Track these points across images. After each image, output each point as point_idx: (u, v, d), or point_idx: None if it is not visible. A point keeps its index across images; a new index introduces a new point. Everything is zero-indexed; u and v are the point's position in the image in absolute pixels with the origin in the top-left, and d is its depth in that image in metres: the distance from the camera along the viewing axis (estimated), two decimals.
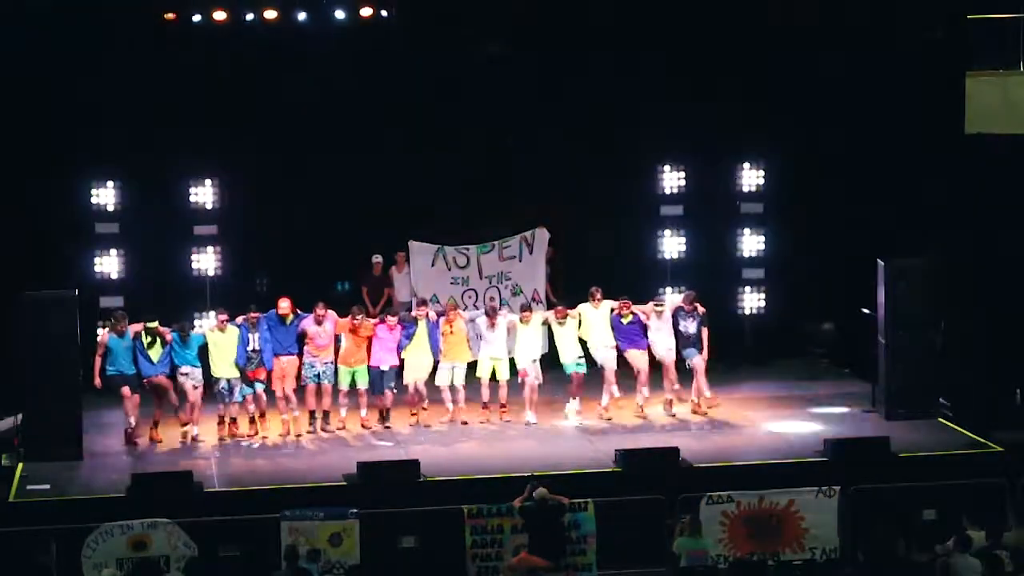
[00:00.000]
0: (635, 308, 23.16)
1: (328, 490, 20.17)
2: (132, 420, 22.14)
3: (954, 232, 24.12)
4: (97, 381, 21.96)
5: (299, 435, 22.48)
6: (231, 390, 22.31)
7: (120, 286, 24.57)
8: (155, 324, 22.11)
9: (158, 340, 22.09)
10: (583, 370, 23.06)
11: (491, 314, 23.06)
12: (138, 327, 22.10)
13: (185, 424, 22.26)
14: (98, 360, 21.98)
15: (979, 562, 17.16)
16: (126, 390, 21.97)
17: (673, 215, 25.98)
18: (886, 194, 25.18)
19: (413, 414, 23.03)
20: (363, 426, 22.80)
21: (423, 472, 20.52)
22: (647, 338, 23.15)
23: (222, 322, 22.31)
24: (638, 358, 23.11)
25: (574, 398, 23.18)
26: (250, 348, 22.31)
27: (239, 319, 22.37)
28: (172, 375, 22.26)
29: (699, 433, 22.58)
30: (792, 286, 26.38)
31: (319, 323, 22.46)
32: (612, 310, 23.11)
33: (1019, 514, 19.44)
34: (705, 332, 23.22)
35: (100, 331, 22.59)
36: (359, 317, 22.67)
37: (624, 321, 23.09)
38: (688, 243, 25.93)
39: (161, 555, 19.25)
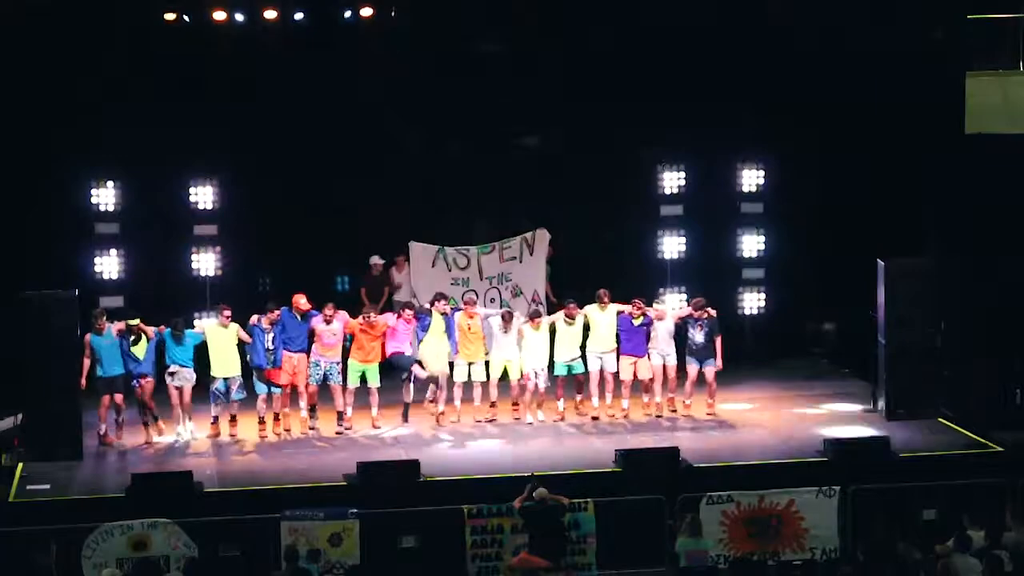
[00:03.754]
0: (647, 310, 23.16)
1: (328, 490, 20.17)
2: (103, 426, 22.15)
3: (954, 232, 24.11)
4: (82, 382, 21.93)
5: (305, 432, 22.62)
6: (227, 390, 22.31)
7: (120, 286, 24.59)
8: (136, 321, 22.08)
9: (143, 337, 22.08)
10: (578, 371, 23.08)
11: (507, 319, 23.07)
12: (120, 325, 22.09)
13: (178, 425, 22.29)
14: (85, 362, 21.94)
15: (979, 562, 17.16)
16: (105, 399, 21.99)
17: (673, 215, 25.99)
18: (886, 194, 25.17)
19: (433, 413, 22.97)
20: (374, 426, 22.81)
21: (423, 472, 20.52)
22: (648, 347, 23.18)
23: (226, 318, 22.33)
24: (630, 367, 23.06)
25: (559, 398, 23.21)
26: (264, 348, 22.32)
27: (260, 319, 22.25)
28: (160, 374, 22.29)
29: (699, 433, 22.59)
30: (792, 286, 26.39)
31: (328, 322, 22.48)
32: (620, 312, 23.06)
33: (1019, 514, 19.43)
34: (718, 340, 23.16)
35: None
36: (372, 316, 22.69)
37: (635, 323, 23.08)
38: (688, 243, 25.93)
39: (161, 555, 19.25)
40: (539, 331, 23.05)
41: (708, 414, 23.26)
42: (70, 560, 19.19)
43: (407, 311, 22.89)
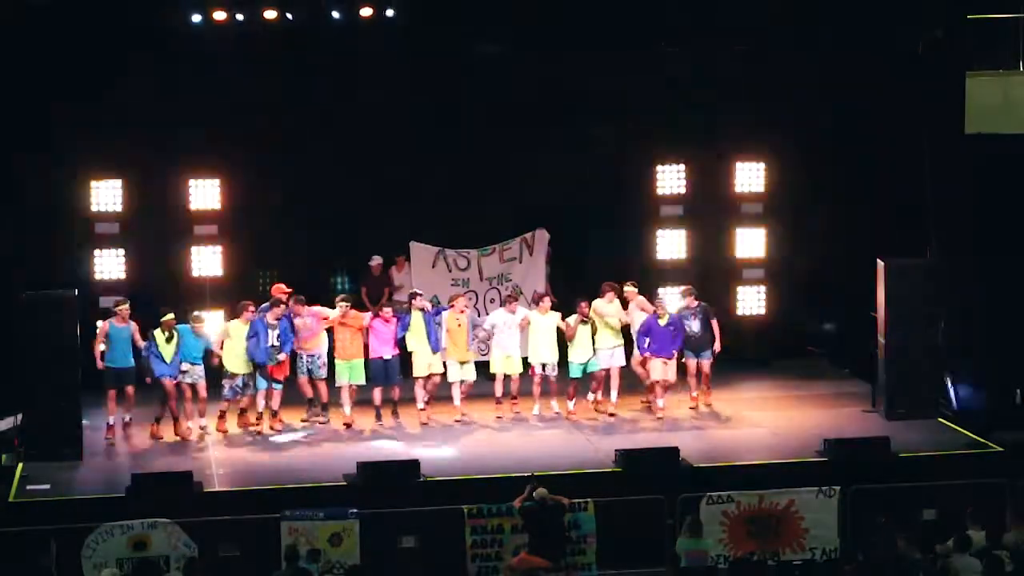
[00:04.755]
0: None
1: (328, 490, 20.17)
2: (111, 419, 22.25)
3: (954, 232, 24.11)
4: (100, 364, 22.08)
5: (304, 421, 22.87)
6: (244, 385, 22.42)
7: (120, 286, 24.55)
8: (171, 317, 22.14)
9: (174, 336, 22.12)
10: (593, 369, 23.07)
11: (509, 301, 23.25)
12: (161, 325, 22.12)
13: (188, 421, 22.35)
14: (97, 347, 22.08)
15: (979, 562, 17.16)
16: (112, 392, 22.08)
17: (673, 215, 26.00)
18: (886, 194, 25.17)
19: (422, 410, 23.03)
20: (349, 423, 22.91)
21: (423, 472, 20.51)
22: (679, 346, 23.10)
23: (251, 313, 22.40)
24: (660, 369, 22.97)
25: (571, 399, 23.23)
26: (269, 344, 22.34)
27: (264, 315, 22.36)
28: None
29: (699, 433, 22.58)
30: (792, 286, 26.39)
31: (298, 316, 22.67)
32: (654, 312, 23.10)
33: (1019, 514, 19.44)
34: (715, 325, 23.27)
35: (100, 323, 22.61)
36: (344, 306, 22.78)
37: (661, 323, 23.06)
38: (688, 243, 25.95)
39: (161, 555, 19.27)
40: (546, 316, 23.05)
41: (705, 404, 23.30)
42: (70, 560, 19.19)
43: (386, 310, 22.95)
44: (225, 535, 19.52)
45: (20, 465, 21.28)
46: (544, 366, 23.08)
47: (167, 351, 22.06)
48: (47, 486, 20.43)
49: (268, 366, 22.34)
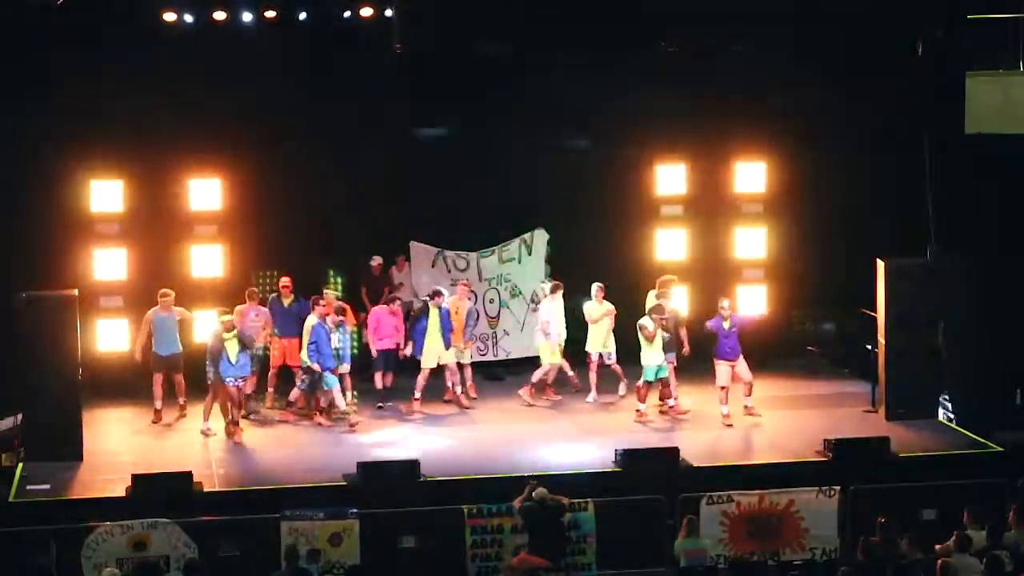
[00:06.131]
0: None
1: (328, 490, 20.18)
2: (158, 403, 22.76)
3: (954, 232, 24.11)
4: (138, 355, 22.63)
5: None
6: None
7: (120, 286, 24.57)
8: (230, 318, 22.29)
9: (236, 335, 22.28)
10: (663, 375, 23.04)
11: (555, 289, 23.58)
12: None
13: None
14: (142, 337, 22.66)
15: (979, 562, 17.16)
16: (158, 376, 22.68)
17: (673, 215, 26.00)
18: (886, 194, 25.17)
19: (415, 398, 23.30)
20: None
21: (423, 472, 20.52)
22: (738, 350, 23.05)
23: (328, 311, 22.67)
24: (727, 373, 22.86)
25: (642, 401, 23.12)
26: (332, 348, 22.57)
27: (324, 318, 22.47)
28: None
29: (699, 433, 22.57)
30: (792, 286, 26.38)
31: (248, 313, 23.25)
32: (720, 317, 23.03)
33: (1019, 514, 19.43)
34: (683, 332, 23.45)
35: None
36: (328, 295, 23.10)
37: (726, 326, 22.96)
38: (688, 243, 25.94)
39: (161, 555, 19.27)
40: (603, 306, 23.24)
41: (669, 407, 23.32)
42: (70, 560, 19.20)
43: (395, 304, 23.20)
44: (225, 535, 19.52)
45: (20, 465, 21.28)
46: (599, 355, 23.41)
47: (232, 352, 22.10)
48: (47, 486, 20.43)
49: (333, 370, 22.53)
